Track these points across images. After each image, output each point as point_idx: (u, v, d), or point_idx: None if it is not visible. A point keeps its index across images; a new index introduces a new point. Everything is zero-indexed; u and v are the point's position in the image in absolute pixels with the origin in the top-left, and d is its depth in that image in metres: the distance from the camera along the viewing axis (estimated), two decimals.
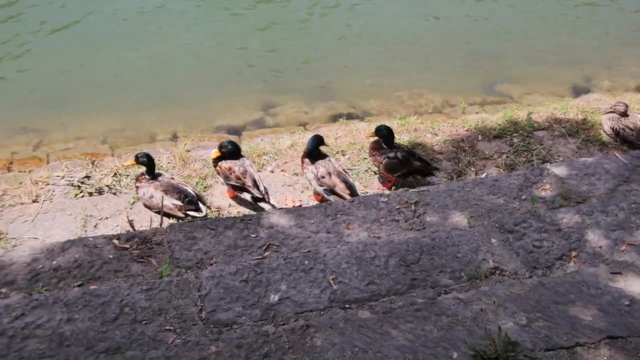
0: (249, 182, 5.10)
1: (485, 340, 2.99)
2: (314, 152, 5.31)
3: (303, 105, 8.19)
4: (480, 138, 6.31)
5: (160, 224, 4.48)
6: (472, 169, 5.84)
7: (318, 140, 5.31)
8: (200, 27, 9.40)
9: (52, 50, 8.65)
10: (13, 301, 3.24)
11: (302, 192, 5.64)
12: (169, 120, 7.66)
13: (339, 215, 4.42)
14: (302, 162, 5.39)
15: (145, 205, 5.06)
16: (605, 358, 2.95)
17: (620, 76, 8.80)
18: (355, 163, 5.99)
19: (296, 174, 5.82)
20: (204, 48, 8.97)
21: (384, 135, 5.46)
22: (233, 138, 7.24)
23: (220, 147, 5.25)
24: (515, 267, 3.73)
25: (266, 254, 4.01)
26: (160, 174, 5.15)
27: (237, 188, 5.19)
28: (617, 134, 6.08)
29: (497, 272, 3.69)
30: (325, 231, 4.27)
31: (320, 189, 5.25)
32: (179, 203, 4.91)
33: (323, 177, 5.19)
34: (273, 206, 5.08)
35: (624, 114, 6.08)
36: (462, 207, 4.50)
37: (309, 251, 3.96)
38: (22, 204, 5.24)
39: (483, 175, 5.57)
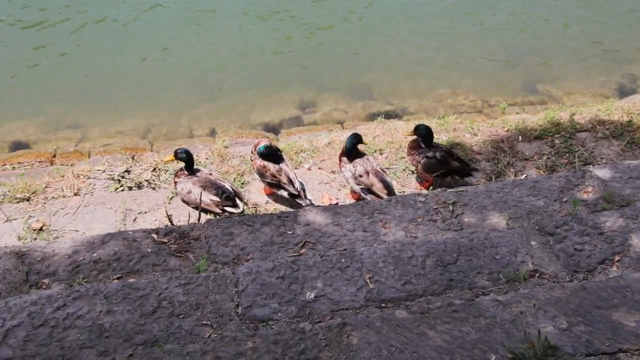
0: (284, 180, 5.11)
1: (524, 343, 2.94)
2: (352, 150, 5.29)
3: (341, 103, 8.20)
4: (520, 139, 6.21)
5: (198, 220, 4.53)
6: (512, 170, 5.75)
7: (357, 139, 5.29)
8: (242, 26, 9.47)
9: (95, 48, 8.81)
10: (55, 292, 3.32)
11: (339, 190, 5.63)
12: (207, 116, 7.75)
13: (375, 214, 4.40)
14: (340, 160, 5.37)
15: (184, 201, 5.12)
16: None
17: None
18: (393, 162, 5.96)
19: (333, 172, 5.82)
20: (244, 46, 9.04)
21: (423, 134, 5.41)
22: (270, 135, 7.29)
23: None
24: (556, 270, 3.67)
25: (302, 251, 4.02)
26: (198, 170, 5.20)
27: (273, 185, 5.21)
28: None
29: (537, 275, 3.63)
30: (361, 230, 4.26)
31: (357, 188, 5.24)
32: (216, 199, 4.95)
33: (361, 176, 5.17)
34: (310, 202, 5.09)
35: None
36: (500, 208, 4.45)
37: (345, 249, 3.96)
38: (64, 196, 5.35)
39: (523, 177, 5.49)
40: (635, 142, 6.12)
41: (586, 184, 4.70)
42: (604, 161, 5.80)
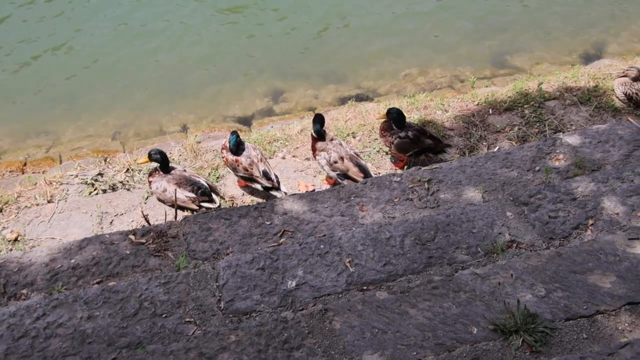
0: (256, 173, 5.09)
1: (504, 313, 2.99)
2: (321, 132, 5.28)
3: (311, 89, 8.16)
4: (491, 112, 6.25)
5: (175, 217, 4.50)
6: (484, 143, 5.79)
7: (321, 121, 5.28)
8: (205, 18, 9.36)
9: (57, 50, 8.66)
10: (34, 302, 3.29)
11: (314, 176, 5.63)
12: (178, 112, 7.67)
13: (352, 198, 4.42)
14: (313, 149, 5.36)
15: (159, 200, 5.08)
16: (626, 324, 2.94)
17: (630, 40, 8.66)
18: (367, 144, 5.96)
19: (308, 159, 5.81)
20: (209, 38, 8.94)
21: (395, 118, 5.41)
22: (242, 127, 7.26)
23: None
24: (532, 239, 3.72)
25: (281, 240, 4.03)
26: (172, 168, 5.15)
27: (247, 179, 5.20)
28: (630, 98, 6.00)
29: (514, 245, 3.68)
30: (339, 214, 4.27)
31: (333, 174, 5.24)
32: (192, 195, 4.92)
33: (336, 162, 5.17)
34: (285, 193, 5.08)
35: (637, 79, 5.99)
36: (475, 182, 4.49)
37: (324, 235, 3.97)
38: (37, 205, 5.28)
39: (495, 149, 5.53)
40: (602, 106, 6.19)
41: (557, 151, 4.76)
42: (573, 128, 5.87)
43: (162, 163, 5.07)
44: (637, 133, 4.91)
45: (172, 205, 4.78)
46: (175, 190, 4.76)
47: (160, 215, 5.06)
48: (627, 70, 6.05)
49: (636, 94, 5.94)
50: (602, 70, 7.08)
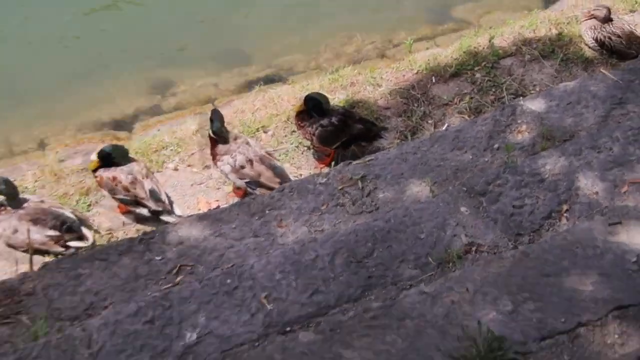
0: (141, 193, 4.97)
1: (463, 341, 2.96)
2: (222, 131, 5.21)
3: (209, 76, 8.09)
4: (434, 80, 6.30)
5: (30, 267, 4.34)
6: (429, 121, 5.83)
7: (219, 117, 5.24)
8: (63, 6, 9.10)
9: None
10: None
11: (218, 189, 5.56)
12: (32, 124, 7.41)
13: (267, 212, 4.39)
14: (213, 154, 5.28)
15: (9, 245, 4.89)
16: (616, 336, 2.97)
17: None
18: (282, 139, 5.92)
19: (207, 167, 5.73)
20: (70, 28, 8.68)
21: (314, 105, 5.37)
22: (120, 134, 7.10)
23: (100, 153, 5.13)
24: (494, 238, 3.74)
25: (178, 279, 3.96)
26: (25, 199, 4.98)
27: (129, 202, 5.07)
28: (602, 45, 6.13)
29: (473, 248, 3.70)
30: (252, 235, 4.23)
31: (241, 183, 5.18)
32: (54, 233, 4.78)
33: (243, 167, 5.12)
34: (179, 217, 4.98)
35: (607, 19, 6.12)
36: (421, 173, 4.50)
37: (232, 265, 3.91)
38: None
39: (443, 128, 5.57)
40: (570, 58, 6.32)
41: (518, 122, 4.84)
42: (537, 89, 5.97)
43: (9, 195, 4.89)
44: (614, 87, 5.03)
45: (27, 251, 4.62)
46: (28, 230, 4.60)
47: (10, 266, 4.86)
48: (594, 10, 6.19)
49: (609, 37, 6.07)
50: (565, 13, 7.23)
